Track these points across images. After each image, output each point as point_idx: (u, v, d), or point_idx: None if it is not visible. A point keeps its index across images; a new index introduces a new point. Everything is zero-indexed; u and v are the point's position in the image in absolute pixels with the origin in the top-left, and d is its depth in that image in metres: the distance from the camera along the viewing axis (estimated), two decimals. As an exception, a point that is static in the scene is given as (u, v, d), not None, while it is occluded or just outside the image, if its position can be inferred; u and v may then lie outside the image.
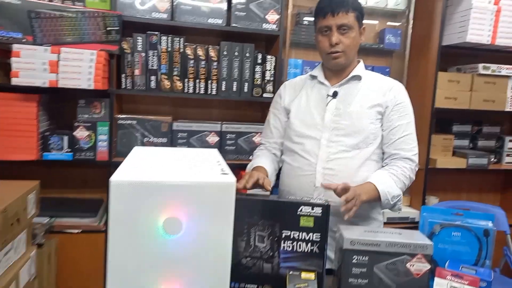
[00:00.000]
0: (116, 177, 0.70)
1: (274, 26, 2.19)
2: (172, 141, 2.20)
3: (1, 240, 1.37)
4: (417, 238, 1.15)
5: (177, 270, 0.75)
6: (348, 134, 1.36)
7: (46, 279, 1.82)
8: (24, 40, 1.78)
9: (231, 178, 0.75)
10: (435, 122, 2.86)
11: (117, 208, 0.70)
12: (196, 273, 0.75)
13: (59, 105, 2.20)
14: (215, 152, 1.06)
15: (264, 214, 1.14)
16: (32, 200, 1.65)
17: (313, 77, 1.48)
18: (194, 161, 0.92)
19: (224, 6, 2.12)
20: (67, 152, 2.05)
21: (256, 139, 2.28)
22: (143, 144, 2.16)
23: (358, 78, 1.42)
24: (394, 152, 1.38)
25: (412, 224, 2.54)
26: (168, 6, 2.06)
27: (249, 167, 1.52)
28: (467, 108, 2.56)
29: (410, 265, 1.10)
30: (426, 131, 2.51)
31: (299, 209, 1.14)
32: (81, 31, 1.87)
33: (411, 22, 2.57)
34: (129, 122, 2.13)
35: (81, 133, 2.06)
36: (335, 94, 1.41)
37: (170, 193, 0.71)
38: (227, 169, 0.83)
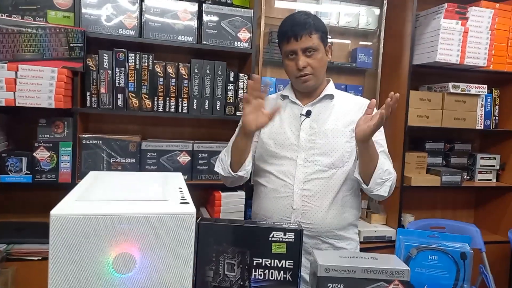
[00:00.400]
0: (57, 211, 0.61)
1: (246, 44, 2.15)
2: (141, 162, 2.10)
3: None
4: (394, 263, 1.10)
5: (129, 313, 0.66)
6: (324, 153, 1.33)
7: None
8: (-22, 56, 1.67)
9: (191, 208, 0.68)
10: (409, 140, 2.90)
11: (58, 245, 0.61)
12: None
13: (20, 125, 2.07)
14: (178, 176, 0.98)
15: (233, 240, 1.07)
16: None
17: (284, 97, 1.45)
18: (152, 187, 0.84)
19: (195, 23, 2.07)
20: (26, 174, 1.92)
21: (229, 159, 2.21)
22: (109, 165, 2.05)
23: (330, 97, 1.40)
24: None
25: (388, 243, 2.50)
26: (136, 23, 1.99)
27: (225, 151, 1.42)
28: (439, 126, 2.58)
29: (387, 292, 1.05)
30: (400, 149, 2.51)
31: (271, 235, 1.08)
32: (42, 47, 1.77)
33: (382, 41, 2.60)
34: (94, 142, 2.02)
35: (41, 154, 1.93)
36: (308, 113, 1.37)
37: (120, 227, 0.63)
38: (188, 197, 0.75)
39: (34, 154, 1.92)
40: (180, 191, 0.81)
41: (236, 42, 2.14)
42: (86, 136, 2.02)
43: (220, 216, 2.19)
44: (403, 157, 2.52)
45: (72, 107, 1.94)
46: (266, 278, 1.08)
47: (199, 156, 2.19)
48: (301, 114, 1.38)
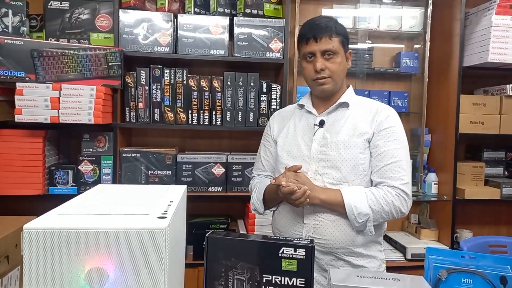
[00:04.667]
0: (30, 225, 0.63)
1: (278, 54, 2.13)
2: (177, 174, 2.15)
3: (-14, 279, 1.34)
4: (418, 285, 1.00)
5: (105, 328, 0.66)
6: (335, 166, 1.26)
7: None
8: (27, 79, 1.83)
9: (163, 223, 0.67)
10: (464, 149, 2.66)
11: (31, 259, 0.63)
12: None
13: (70, 140, 2.24)
14: (179, 189, 0.98)
15: (242, 255, 1.04)
16: (29, 236, 1.64)
17: (301, 106, 1.40)
18: (143, 201, 0.85)
19: (226, 37, 2.10)
20: (72, 186, 2.06)
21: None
22: (147, 177, 2.13)
23: (345, 105, 1.32)
24: (379, 180, 1.25)
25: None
26: (170, 40, 2.07)
27: (257, 194, 1.41)
28: (496, 133, 2.34)
29: (405, 320, 0.95)
30: (451, 158, 2.32)
31: (281, 251, 1.04)
32: (83, 67, 1.90)
33: (428, 44, 2.43)
34: (133, 155, 2.12)
35: (85, 167, 2.06)
36: (322, 123, 1.31)
37: (91, 241, 0.64)
38: (172, 212, 0.74)
39: (79, 167, 2.06)
40: (169, 205, 0.80)
41: (268, 53, 2.12)
42: (126, 149, 2.12)
43: (254, 229, 2.16)
44: (455, 167, 2.31)
45: (112, 122, 2.05)
46: (277, 296, 1.03)
47: (233, 168, 2.19)
48: (314, 124, 1.32)
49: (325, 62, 1.25)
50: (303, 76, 1.34)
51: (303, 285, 1.02)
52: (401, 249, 2.34)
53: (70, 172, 2.05)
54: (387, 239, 2.50)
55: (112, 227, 0.64)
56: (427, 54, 2.43)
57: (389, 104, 2.48)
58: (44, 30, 2.04)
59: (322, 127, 1.30)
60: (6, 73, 1.80)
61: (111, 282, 0.65)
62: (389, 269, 1.46)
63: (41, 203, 2.16)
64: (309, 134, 1.32)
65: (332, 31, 1.25)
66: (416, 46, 2.57)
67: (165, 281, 0.66)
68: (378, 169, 1.25)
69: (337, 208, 1.22)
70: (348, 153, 1.25)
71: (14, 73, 1.81)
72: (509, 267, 1.07)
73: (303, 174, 1.25)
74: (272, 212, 1.46)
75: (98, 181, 2.07)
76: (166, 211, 0.74)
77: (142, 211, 0.74)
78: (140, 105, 2.10)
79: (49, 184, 2.04)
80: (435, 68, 2.45)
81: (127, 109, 2.11)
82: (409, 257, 2.29)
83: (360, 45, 2.45)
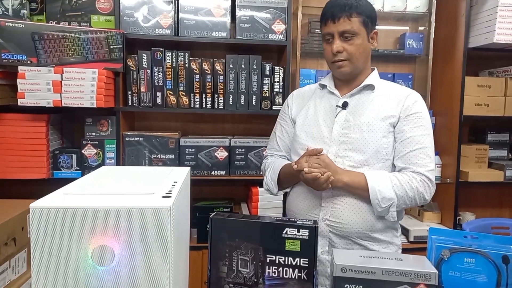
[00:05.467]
0: (37, 203, 0.64)
1: (281, 36, 2.11)
2: (180, 158, 2.16)
3: (-6, 260, 1.37)
4: (421, 265, 1.01)
5: (111, 305, 0.67)
6: (357, 148, 1.23)
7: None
8: (28, 62, 1.82)
9: (168, 202, 0.67)
10: (468, 131, 2.65)
11: (38, 238, 0.64)
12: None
13: (73, 124, 2.24)
14: (183, 170, 0.98)
15: (246, 236, 1.04)
16: (35, 219, 1.65)
17: (323, 86, 1.36)
18: (147, 181, 0.85)
19: (228, 18, 2.07)
20: (76, 170, 2.07)
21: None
22: (151, 161, 2.14)
23: (371, 87, 1.29)
24: (403, 166, 1.23)
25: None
26: (171, 22, 2.05)
27: (272, 175, 1.39)
28: (501, 115, 2.32)
29: (409, 297, 0.96)
30: (455, 141, 2.31)
31: (284, 231, 1.04)
32: (85, 50, 1.89)
33: (433, 25, 2.39)
34: (136, 139, 2.12)
35: (89, 151, 2.07)
36: (345, 105, 1.28)
37: (97, 220, 0.64)
38: (176, 191, 0.75)
39: (83, 151, 2.06)
40: (173, 185, 0.81)
41: (270, 35, 2.10)
42: (129, 133, 2.12)
43: (257, 212, 2.18)
44: (459, 150, 2.30)
45: (114, 106, 2.05)
46: (280, 276, 1.04)
47: (236, 152, 2.19)
48: (337, 106, 1.29)
49: (344, 43, 1.22)
50: (325, 58, 1.31)
51: (307, 265, 1.03)
52: (404, 231, 2.35)
53: (74, 156, 2.06)
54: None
55: (118, 205, 0.65)
56: (432, 35, 2.40)
57: (393, 86, 2.46)
58: (44, 12, 2.02)
59: (345, 109, 1.28)
60: (8, 56, 1.80)
61: (117, 260, 0.66)
62: (392, 250, 1.46)
63: (46, 187, 2.16)
64: (331, 116, 1.29)
65: (352, 10, 1.20)
66: (421, 28, 2.53)
67: (170, 259, 0.67)
68: (403, 155, 1.23)
69: (360, 191, 1.21)
70: (371, 136, 1.22)
71: (16, 57, 1.81)
72: (511, 246, 1.07)
73: (326, 156, 1.22)
74: (285, 193, 1.45)
75: (101, 165, 2.07)
76: (171, 191, 0.75)
77: (146, 191, 0.74)
78: (142, 88, 2.09)
79: (53, 168, 2.05)
80: (440, 49, 2.42)
81: (129, 92, 2.10)
82: (411, 239, 2.30)
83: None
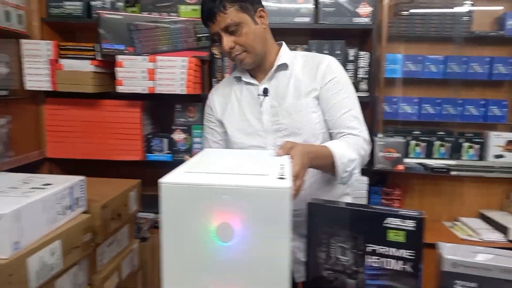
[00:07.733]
0: (166, 179, 0.69)
1: (367, 20, 2.03)
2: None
3: (103, 233, 1.51)
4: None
5: (230, 278, 0.71)
6: (292, 133, 1.18)
7: (150, 272, 1.94)
8: (126, 51, 1.96)
9: (286, 183, 0.69)
10: None
11: (168, 211, 0.69)
12: (250, 284, 0.71)
13: (163, 110, 2.38)
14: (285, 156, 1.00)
15: (344, 224, 1.03)
16: (133, 197, 1.80)
17: (238, 78, 1.29)
18: (257, 163, 0.88)
19: (312, 3, 2.04)
20: (167, 153, 2.20)
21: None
22: (233, 146, 2.20)
23: (284, 66, 1.23)
24: (338, 131, 1.19)
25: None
26: (256, 8, 2.06)
27: None
28: None
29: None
30: None
31: (385, 221, 1.01)
32: (175, 39, 1.99)
33: (541, 0, 2.14)
34: (220, 124, 2.19)
35: (178, 136, 2.19)
36: (266, 92, 1.22)
37: (221, 197, 0.68)
38: (288, 174, 0.76)
39: (172, 136, 2.19)
40: (282, 168, 0.82)
41: (355, 18, 2.03)
42: (213, 119, 2.20)
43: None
44: None
45: (201, 93, 2.13)
46: (382, 266, 1.01)
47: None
48: (258, 95, 1.23)
49: (232, 38, 1.15)
50: None
51: (413, 257, 0.98)
52: (502, 229, 2.18)
53: (165, 140, 2.19)
54: (485, 218, 2.34)
55: (239, 184, 0.68)
56: (539, 12, 2.15)
57: (490, 72, 2.27)
58: (137, 4, 2.15)
59: (267, 95, 1.22)
60: (108, 46, 1.95)
61: (238, 237, 0.69)
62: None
63: (140, 168, 2.37)
64: (256, 106, 1.23)
65: (223, 1, 1.12)
66: (524, 3, 2.28)
67: (288, 239, 0.68)
68: (334, 122, 1.20)
69: (325, 160, 1.10)
70: (301, 116, 1.18)
71: (115, 46, 1.95)
72: None
73: (285, 144, 1.02)
74: None
75: (190, 149, 2.19)
76: (283, 174, 0.76)
77: (260, 172, 0.77)
78: (226, 75, 2.15)
79: (146, 151, 2.20)
80: (548, 28, 2.16)
81: (214, 80, 2.17)
82: (511, 238, 2.12)
83: (456, 9, 2.24)
